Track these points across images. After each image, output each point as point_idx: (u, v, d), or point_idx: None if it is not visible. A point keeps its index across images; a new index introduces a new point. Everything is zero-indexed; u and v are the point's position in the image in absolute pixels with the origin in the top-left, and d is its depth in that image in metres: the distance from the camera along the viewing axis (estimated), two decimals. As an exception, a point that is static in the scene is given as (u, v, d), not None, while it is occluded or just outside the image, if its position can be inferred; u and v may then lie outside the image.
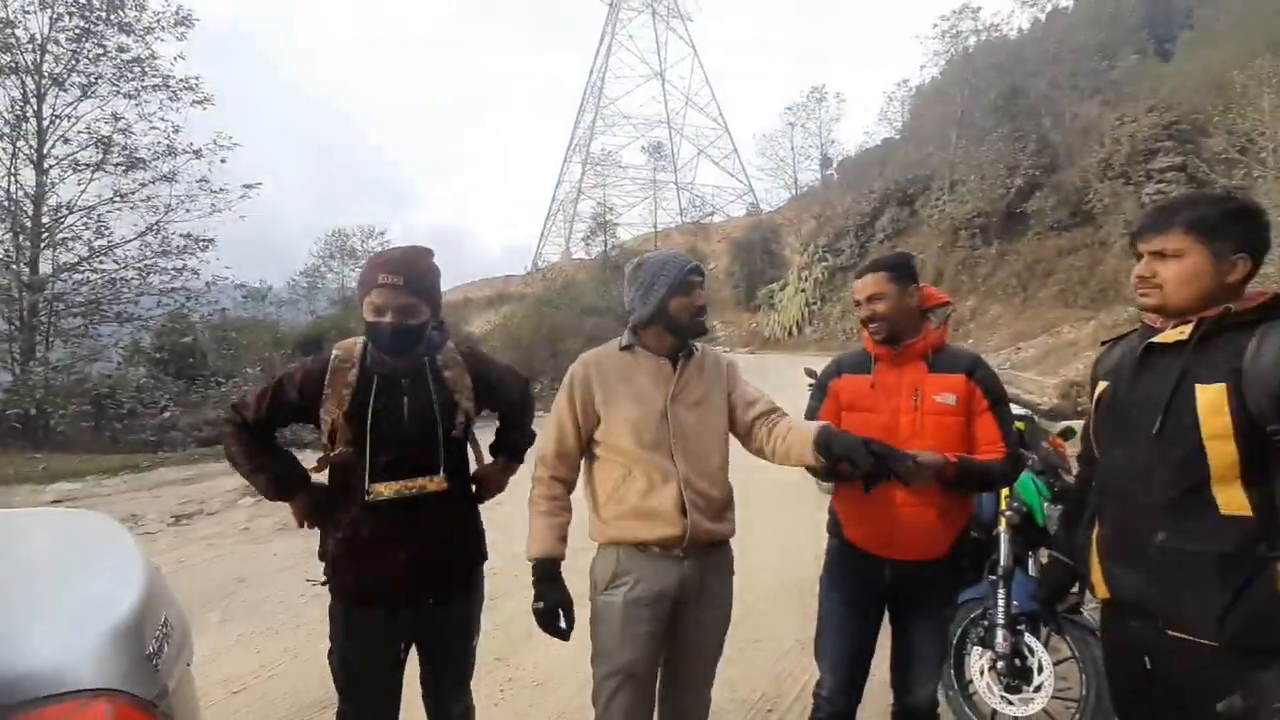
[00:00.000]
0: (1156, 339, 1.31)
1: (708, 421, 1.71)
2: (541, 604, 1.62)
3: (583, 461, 1.76)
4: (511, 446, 1.95)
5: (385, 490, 1.59)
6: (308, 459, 1.74)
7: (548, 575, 1.64)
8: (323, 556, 1.71)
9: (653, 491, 1.62)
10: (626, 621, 1.62)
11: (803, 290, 31.13)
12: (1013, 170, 22.92)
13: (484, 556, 1.83)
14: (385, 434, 1.60)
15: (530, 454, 1.90)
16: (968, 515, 1.82)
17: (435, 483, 1.64)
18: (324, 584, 1.69)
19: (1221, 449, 1.19)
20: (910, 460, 1.51)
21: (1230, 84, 12.72)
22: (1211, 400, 1.20)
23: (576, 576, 1.71)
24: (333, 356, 1.63)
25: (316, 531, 1.73)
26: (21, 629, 1.01)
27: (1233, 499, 1.19)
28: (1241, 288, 1.27)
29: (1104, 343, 1.56)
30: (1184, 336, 1.26)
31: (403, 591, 1.64)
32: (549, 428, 1.73)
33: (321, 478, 1.71)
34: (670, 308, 1.67)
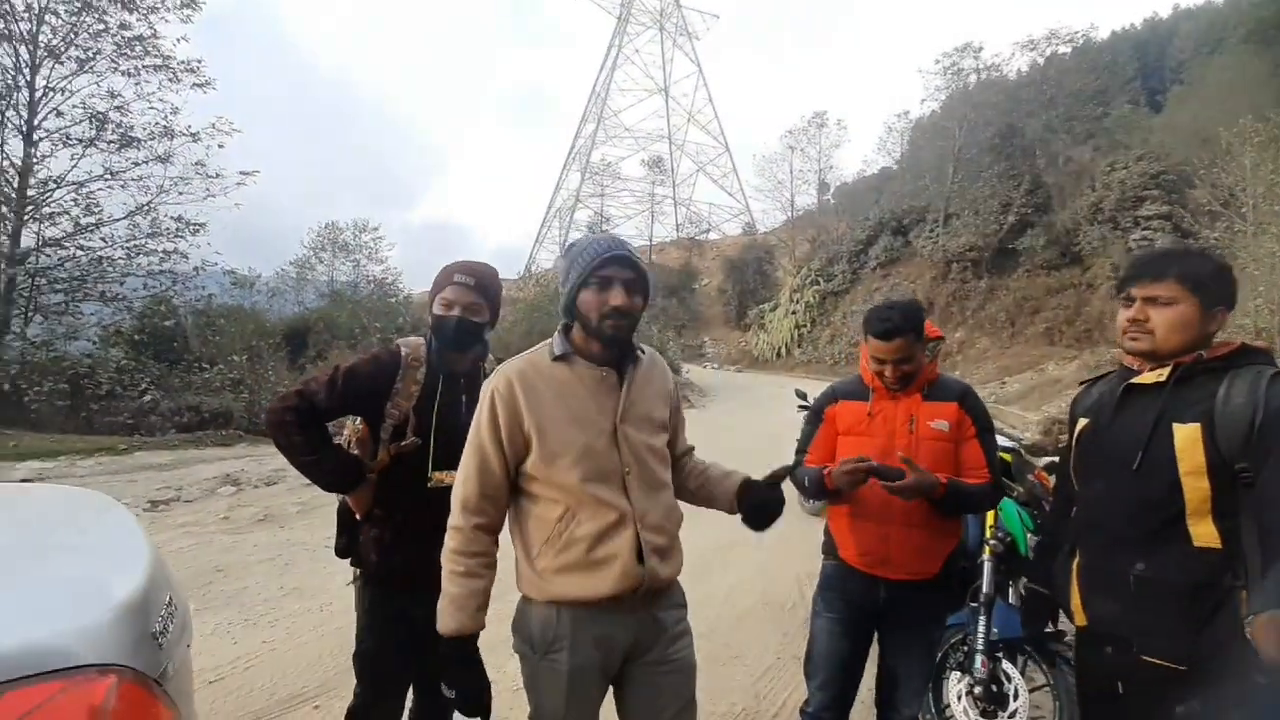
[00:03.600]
0: (1136, 380, 1.39)
1: (658, 442, 1.45)
2: (454, 692, 1.35)
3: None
4: None
5: (446, 478, 1.66)
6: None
7: (463, 657, 1.34)
8: (349, 549, 1.78)
9: (604, 538, 1.32)
10: (573, 690, 1.35)
11: (793, 313, 31.42)
12: (1006, 207, 23.42)
13: None
14: (448, 427, 1.69)
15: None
16: (957, 537, 1.87)
17: None
18: (360, 574, 1.77)
19: (1196, 484, 1.27)
20: (900, 473, 1.61)
21: (1216, 139, 13.10)
22: (1187, 438, 1.28)
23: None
24: (403, 353, 1.73)
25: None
26: (29, 603, 1.01)
27: (1205, 532, 1.27)
28: (1213, 336, 1.36)
29: (1082, 383, 1.64)
30: (1161, 379, 1.34)
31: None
32: (466, 464, 1.38)
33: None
34: (578, 304, 1.36)
